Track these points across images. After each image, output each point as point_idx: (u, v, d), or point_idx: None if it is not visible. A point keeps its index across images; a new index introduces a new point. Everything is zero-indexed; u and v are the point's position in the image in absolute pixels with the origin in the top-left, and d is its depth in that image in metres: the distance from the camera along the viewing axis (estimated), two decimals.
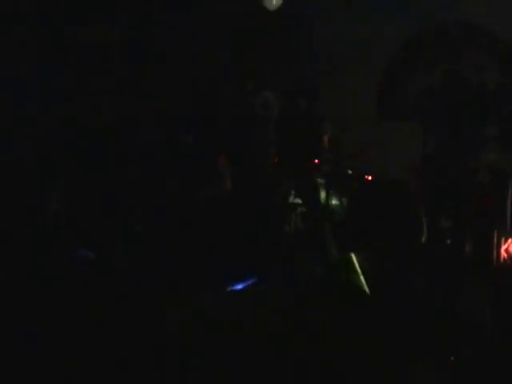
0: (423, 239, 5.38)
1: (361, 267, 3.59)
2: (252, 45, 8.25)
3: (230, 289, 2.79)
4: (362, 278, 3.38)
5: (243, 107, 7.31)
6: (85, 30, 7.81)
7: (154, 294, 3.20)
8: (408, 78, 8.38)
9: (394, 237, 4.10)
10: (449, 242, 6.21)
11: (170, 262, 4.12)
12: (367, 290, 3.28)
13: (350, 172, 7.40)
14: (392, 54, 8.38)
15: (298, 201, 6.84)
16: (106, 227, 3.98)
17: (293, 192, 6.86)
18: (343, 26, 8.20)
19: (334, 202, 7.12)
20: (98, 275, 3.34)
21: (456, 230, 6.29)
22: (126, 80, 8.01)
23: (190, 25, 8.23)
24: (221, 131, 7.24)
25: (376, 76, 8.38)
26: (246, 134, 7.17)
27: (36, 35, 7.50)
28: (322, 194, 6.98)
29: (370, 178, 7.34)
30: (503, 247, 6.16)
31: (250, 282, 2.71)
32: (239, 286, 2.73)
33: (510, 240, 6.20)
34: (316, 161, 6.86)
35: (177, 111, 7.68)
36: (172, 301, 3.06)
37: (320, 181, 6.94)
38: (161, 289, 3.45)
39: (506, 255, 6.15)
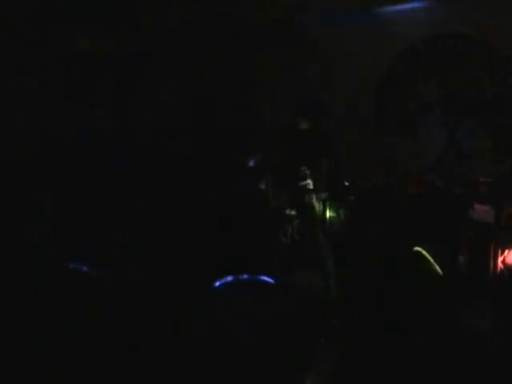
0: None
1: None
2: (252, 53, 8.29)
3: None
4: (434, 264, 3.43)
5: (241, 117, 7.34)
6: (83, 32, 7.81)
7: (152, 296, 3.15)
8: (405, 89, 8.41)
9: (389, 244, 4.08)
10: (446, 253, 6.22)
11: (168, 262, 4.07)
12: (441, 272, 3.34)
13: (346, 183, 7.41)
14: (389, 66, 8.42)
15: (294, 213, 6.85)
16: (104, 229, 3.92)
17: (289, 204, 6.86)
18: (342, 37, 8.25)
19: (331, 213, 7.12)
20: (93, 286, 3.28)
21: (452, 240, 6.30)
22: (124, 84, 8.01)
23: (188, 31, 8.24)
24: (220, 138, 7.26)
25: (374, 88, 8.43)
26: (243, 144, 7.18)
27: (34, 40, 7.50)
28: (319, 206, 6.98)
29: (367, 188, 7.35)
30: (500, 258, 6.16)
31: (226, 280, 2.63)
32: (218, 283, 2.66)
33: (506, 251, 6.20)
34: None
35: (175, 117, 7.70)
36: (171, 301, 3.01)
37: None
38: (159, 290, 3.41)
39: (502, 266, 6.14)
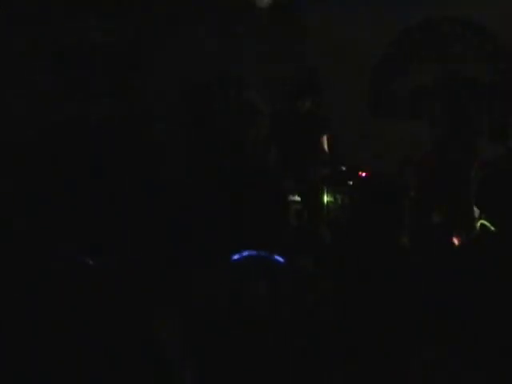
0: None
1: None
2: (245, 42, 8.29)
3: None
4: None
5: (237, 105, 7.31)
6: (80, 30, 7.79)
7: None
8: (400, 73, 8.43)
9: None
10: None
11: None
12: None
13: (343, 168, 7.42)
14: (384, 51, 8.44)
15: (296, 198, 6.82)
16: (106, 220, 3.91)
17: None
18: (337, 22, 8.26)
19: (329, 198, 7.12)
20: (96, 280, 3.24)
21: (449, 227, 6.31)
22: (119, 79, 7.99)
23: (178, 22, 8.22)
24: (216, 130, 7.24)
25: (369, 73, 8.44)
26: (241, 133, 7.16)
27: (32, 35, 7.48)
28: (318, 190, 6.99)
29: (364, 174, 7.36)
30: None
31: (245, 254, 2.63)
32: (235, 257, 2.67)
33: None
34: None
35: (169, 110, 7.68)
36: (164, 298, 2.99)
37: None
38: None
39: None
